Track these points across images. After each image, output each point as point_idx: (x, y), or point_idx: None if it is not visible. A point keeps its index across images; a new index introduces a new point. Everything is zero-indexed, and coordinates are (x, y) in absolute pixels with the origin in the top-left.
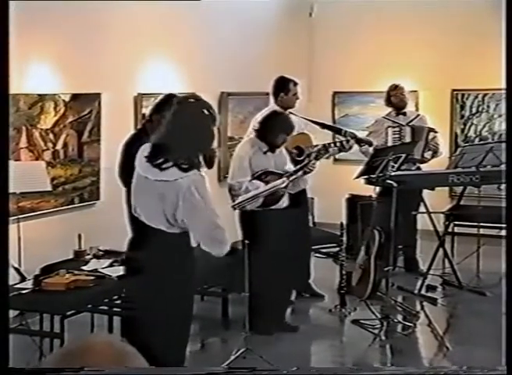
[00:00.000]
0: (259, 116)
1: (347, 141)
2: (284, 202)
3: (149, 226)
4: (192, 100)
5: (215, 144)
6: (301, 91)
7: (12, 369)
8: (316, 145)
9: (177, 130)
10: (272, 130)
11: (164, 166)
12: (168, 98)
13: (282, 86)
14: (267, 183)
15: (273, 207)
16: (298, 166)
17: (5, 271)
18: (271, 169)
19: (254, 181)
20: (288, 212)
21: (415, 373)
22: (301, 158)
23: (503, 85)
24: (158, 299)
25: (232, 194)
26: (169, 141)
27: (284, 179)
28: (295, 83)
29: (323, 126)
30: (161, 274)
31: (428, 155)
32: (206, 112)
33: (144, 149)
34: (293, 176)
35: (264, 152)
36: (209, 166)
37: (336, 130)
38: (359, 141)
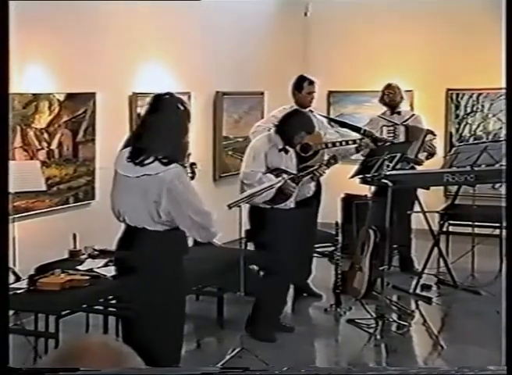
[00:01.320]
0: (276, 112)
1: (361, 139)
2: (291, 203)
3: (133, 226)
4: (167, 96)
5: (188, 138)
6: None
7: (12, 369)
8: (326, 143)
9: (155, 126)
10: (293, 127)
11: (146, 161)
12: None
13: (297, 84)
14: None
15: (280, 206)
16: (307, 171)
17: (5, 271)
18: (283, 167)
19: (268, 175)
20: (294, 213)
21: (413, 373)
22: (307, 154)
23: (498, 85)
24: (146, 299)
25: (245, 183)
26: (148, 137)
27: (280, 178)
28: (310, 82)
29: (342, 124)
30: (148, 273)
31: (422, 156)
32: (181, 107)
33: (124, 152)
34: (290, 176)
35: (279, 150)
36: (183, 158)
37: (356, 129)
38: (376, 140)
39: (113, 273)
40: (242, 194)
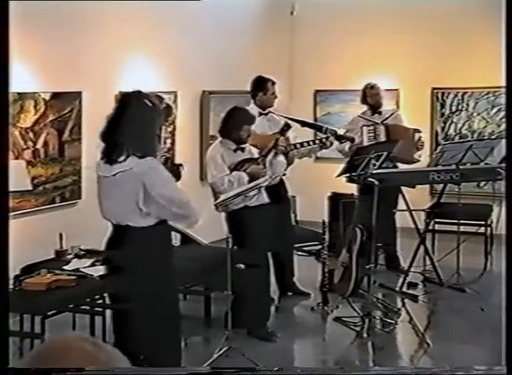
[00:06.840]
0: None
1: (327, 138)
2: (260, 200)
3: (120, 224)
4: (134, 93)
5: (160, 132)
6: (280, 90)
7: (12, 369)
8: (294, 144)
9: (123, 123)
10: (235, 124)
11: (119, 158)
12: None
13: (261, 86)
14: (247, 173)
15: (248, 204)
16: (268, 149)
17: (5, 271)
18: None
19: (234, 173)
20: (265, 210)
21: (409, 373)
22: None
23: (483, 84)
24: (140, 296)
25: (216, 191)
26: (118, 134)
27: (267, 177)
28: (273, 83)
29: (303, 123)
30: (139, 271)
31: (417, 155)
32: (148, 103)
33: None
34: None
35: (234, 150)
36: (154, 152)
37: (317, 128)
38: (339, 138)
39: (100, 272)
40: (228, 193)
